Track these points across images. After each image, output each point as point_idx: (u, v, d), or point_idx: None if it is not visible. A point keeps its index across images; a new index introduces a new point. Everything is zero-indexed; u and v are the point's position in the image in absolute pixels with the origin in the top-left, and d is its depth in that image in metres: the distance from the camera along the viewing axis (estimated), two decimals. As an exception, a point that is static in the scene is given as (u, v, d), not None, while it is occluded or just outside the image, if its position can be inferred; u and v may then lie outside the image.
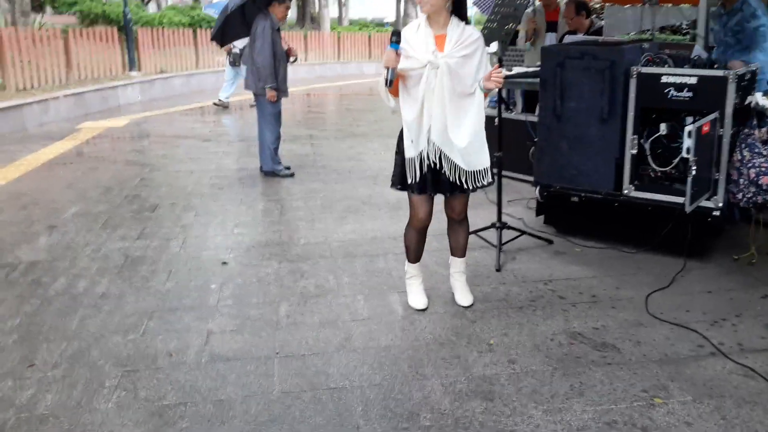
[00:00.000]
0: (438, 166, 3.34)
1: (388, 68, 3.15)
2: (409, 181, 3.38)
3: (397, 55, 3.16)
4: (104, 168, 7.05)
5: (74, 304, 3.73)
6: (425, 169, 3.35)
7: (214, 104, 11.60)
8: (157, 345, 3.28)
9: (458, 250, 3.71)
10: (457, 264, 3.74)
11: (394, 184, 3.54)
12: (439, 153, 3.32)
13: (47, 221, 5.21)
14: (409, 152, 3.34)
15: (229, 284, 4.02)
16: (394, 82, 3.19)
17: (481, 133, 3.36)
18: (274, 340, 3.32)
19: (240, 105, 11.80)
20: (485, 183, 3.42)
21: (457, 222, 3.63)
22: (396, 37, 3.19)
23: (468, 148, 3.31)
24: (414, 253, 3.68)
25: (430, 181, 3.38)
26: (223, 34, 6.77)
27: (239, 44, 10.53)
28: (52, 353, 3.19)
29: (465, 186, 3.38)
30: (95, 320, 3.54)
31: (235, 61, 11.25)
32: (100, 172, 6.87)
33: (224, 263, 4.36)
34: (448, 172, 3.35)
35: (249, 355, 3.18)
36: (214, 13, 12.20)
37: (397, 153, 3.49)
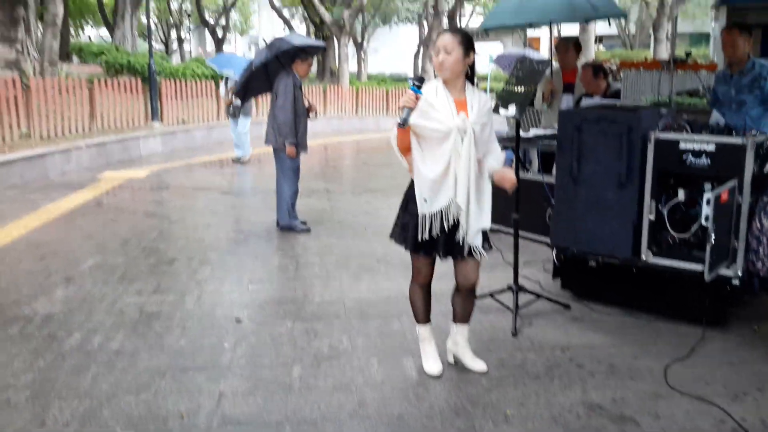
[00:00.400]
0: (453, 227, 3.34)
1: (404, 108, 3.18)
2: (420, 239, 3.36)
3: (417, 99, 3.20)
4: (123, 219, 7.12)
5: (88, 361, 3.72)
6: (437, 230, 3.34)
7: (234, 161, 11.57)
8: (169, 406, 3.25)
9: (466, 317, 3.67)
10: (464, 331, 3.68)
11: (394, 239, 3.54)
12: (460, 215, 3.32)
13: (65, 273, 5.24)
14: (422, 209, 3.34)
15: (242, 343, 4.00)
16: (406, 129, 3.23)
17: (487, 205, 3.46)
18: (287, 404, 3.28)
19: (258, 158, 11.93)
20: (483, 251, 3.45)
21: (469, 290, 3.58)
22: (418, 82, 3.23)
23: (478, 212, 3.37)
24: (423, 313, 3.64)
25: (442, 244, 3.37)
26: (246, 90, 6.92)
27: None
28: (63, 412, 3.17)
29: (471, 250, 3.39)
30: (108, 378, 3.53)
31: (235, 112, 11.20)
32: (119, 223, 6.94)
33: (238, 321, 4.35)
34: (462, 234, 3.35)
35: (260, 420, 3.14)
36: (217, 67, 12.31)
37: (400, 209, 3.51)
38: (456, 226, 3.35)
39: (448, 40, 3.27)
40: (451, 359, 3.73)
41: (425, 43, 25.54)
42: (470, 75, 3.42)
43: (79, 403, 3.25)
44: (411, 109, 3.19)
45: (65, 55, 20.32)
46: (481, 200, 3.41)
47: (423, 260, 3.49)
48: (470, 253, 3.42)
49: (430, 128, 3.27)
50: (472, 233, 3.36)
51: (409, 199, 3.43)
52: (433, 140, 3.30)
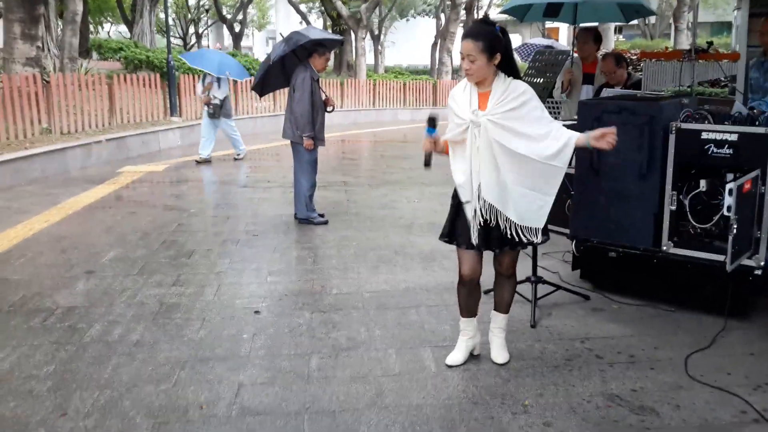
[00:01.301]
0: (490, 222, 3.33)
1: (426, 154, 3.34)
2: (473, 239, 3.35)
3: (432, 141, 3.34)
4: (143, 212, 7.18)
5: (108, 352, 3.76)
6: (477, 225, 3.34)
7: (197, 162, 10.65)
8: (189, 396, 3.28)
9: (502, 305, 3.66)
10: (498, 320, 3.68)
11: (442, 236, 3.55)
12: (492, 210, 3.31)
13: (86, 266, 5.29)
14: (467, 210, 3.36)
15: (261, 334, 4.02)
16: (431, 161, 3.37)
17: (546, 189, 3.32)
18: (305, 395, 3.29)
19: (276, 151, 11.96)
20: (537, 240, 3.41)
21: (505, 277, 3.59)
22: (431, 123, 3.32)
23: (522, 201, 3.30)
24: (464, 307, 3.62)
25: (481, 237, 3.36)
26: (263, 85, 6.93)
27: (220, 95, 10.49)
28: (84, 402, 3.21)
29: (516, 240, 3.36)
30: (129, 368, 3.56)
31: (215, 112, 10.57)
32: (139, 216, 6.99)
33: (257, 312, 4.36)
34: (502, 227, 3.33)
35: (279, 410, 3.15)
36: (188, 62, 11.50)
37: (452, 205, 3.51)
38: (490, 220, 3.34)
39: (470, 49, 3.19)
40: (475, 351, 3.73)
41: (442, 35, 25.43)
42: (507, 66, 3.30)
43: (100, 394, 3.29)
44: (430, 153, 3.35)
45: (85, 51, 20.47)
46: (523, 185, 3.29)
47: (464, 255, 3.46)
48: (510, 245, 3.41)
49: (455, 133, 3.32)
50: (515, 225, 3.33)
51: (453, 198, 3.47)
52: (458, 139, 3.33)
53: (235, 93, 15.87)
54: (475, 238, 3.34)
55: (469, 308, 3.61)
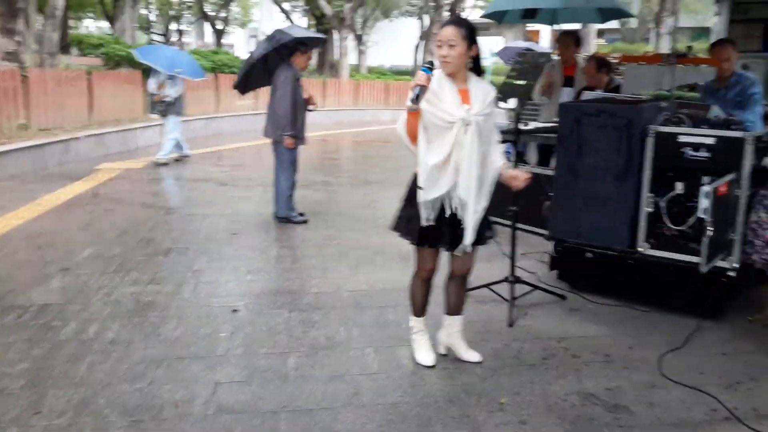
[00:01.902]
0: (448, 221, 3.33)
1: (416, 86, 3.14)
2: (423, 223, 3.32)
3: (428, 79, 3.17)
4: (120, 210, 7.12)
5: (83, 350, 3.72)
6: (432, 220, 3.32)
7: (156, 164, 10.20)
8: (164, 395, 3.26)
9: (459, 307, 3.66)
10: (457, 322, 3.67)
11: (399, 232, 3.51)
12: (463, 207, 3.31)
13: (61, 263, 5.24)
14: (419, 197, 3.31)
15: (238, 333, 4.00)
16: (416, 113, 3.20)
17: (485, 196, 3.42)
18: (282, 393, 3.28)
19: (258, 150, 11.90)
20: (489, 237, 3.47)
21: (462, 278, 3.59)
22: (429, 64, 3.23)
23: (480, 209, 3.36)
24: (420, 307, 3.63)
25: (448, 236, 3.37)
26: (245, 83, 6.90)
27: (173, 93, 10.09)
28: (59, 400, 3.17)
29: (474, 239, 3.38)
30: (104, 367, 3.53)
31: (165, 110, 10.14)
32: (116, 213, 6.94)
33: (235, 311, 4.35)
34: (467, 223, 3.33)
35: (256, 408, 3.14)
36: (139, 57, 10.67)
37: (404, 201, 3.47)
38: (454, 216, 3.34)
39: (451, 33, 3.22)
40: (442, 350, 3.72)
41: (426, 36, 25.49)
42: (476, 66, 3.37)
43: (75, 392, 3.26)
44: (423, 87, 3.15)
45: (65, 47, 20.28)
46: (482, 191, 3.37)
47: (427, 253, 3.47)
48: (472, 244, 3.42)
49: (437, 115, 3.23)
50: (472, 225, 3.34)
51: (413, 192, 3.40)
52: (437, 129, 3.26)
53: (217, 91, 15.79)
54: (425, 220, 3.33)
55: (424, 306, 3.63)
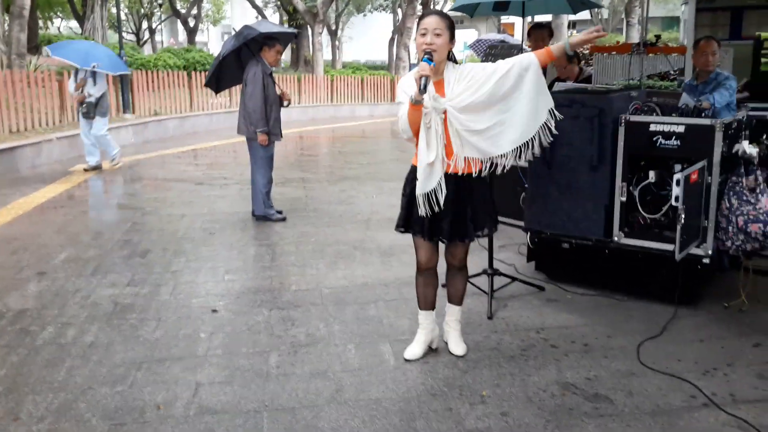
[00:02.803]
0: (443, 213, 3.34)
1: (422, 77, 3.10)
2: (421, 213, 3.32)
3: (431, 68, 3.15)
4: (96, 212, 7.05)
5: (62, 354, 3.69)
6: (427, 212, 3.33)
7: (85, 170, 9.51)
8: (145, 397, 3.24)
9: (456, 297, 3.71)
10: (453, 312, 3.73)
11: (398, 226, 3.56)
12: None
13: (37, 267, 5.18)
14: (417, 190, 3.32)
15: (218, 333, 3.98)
16: (419, 106, 3.18)
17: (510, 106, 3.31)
18: (264, 392, 3.28)
19: (233, 148, 11.85)
20: (486, 232, 3.49)
21: (457, 269, 3.64)
22: (429, 56, 3.19)
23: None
24: (422, 299, 3.64)
25: (434, 228, 3.39)
26: (218, 80, 6.85)
27: (96, 92, 9.38)
28: (37, 406, 3.14)
29: (467, 231, 3.41)
30: (83, 371, 3.50)
31: (89, 111, 9.35)
32: (92, 215, 6.87)
33: (214, 311, 4.33)
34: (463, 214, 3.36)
35: (238, 408, 3.13)
36: (52, 54, 9.69)
37: (403, 195, 3.50)
38: (446, 208, 3.34)
39: (437, 23, 3.22)
40: (439, 343, 3.75)
41: (399, 30, 25.47)
42: (452, 60, 3.39)
43: (54, 397, 3.23)
44: (428, 78, 3.12)
45: (34, 47, 19.96)
46: (536, 109, 3.32)
47: (424, 246, 3.49)
48: (460, 237, 3.45)
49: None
50: (470, 215, 3.40)
51: (411, 188, 3.42)
52: (426, 125, 3.27)
53: (190, 89, 15.67)
54: (421, 212, 3.33)
55: (427, 299, 3.64)
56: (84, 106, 9.39)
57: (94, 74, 9.35)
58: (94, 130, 9.50)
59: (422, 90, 3.13)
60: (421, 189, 3.31)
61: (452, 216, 3.37)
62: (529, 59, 3.28)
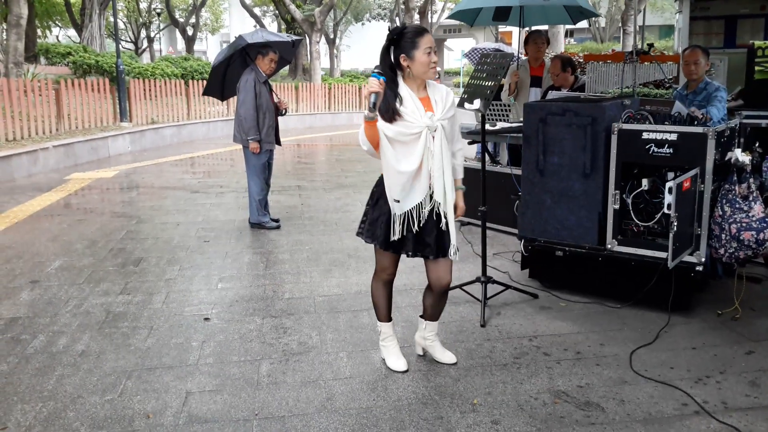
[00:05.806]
0: (422, 226, 3.31)
1: (371, 93, 3.13)
2: (393, 238, 3.31)
3: (381, 84, 3.16)
4: (91, 220, 7.04)
5: (52, 363, 3.67)
6: (406, 229, 3.30)
7: None
8: (135, 406, 3.22)
9: (437, 315, 3.65)
10: (433, 327, 3.67)
11: (362, 235, 3.51)
12: (441, 212, 3.30)
13: (30, 275, 5.17)
14: (394, 209, 3.29)
15: (210, 341, 3.97)
16: (374, 122, 3.19)
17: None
18: (254, 401, 3.27)
19: (230, 156, 11.86)
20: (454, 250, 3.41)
21: (443, 290, 3.52)
22: (379, 69, 3.21)
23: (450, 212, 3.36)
24: (385, 310, 3.61)
25: (412, 242, 3.33)
26: (222, 89, 6.88)
27: None
28: (26, 415, 3.13)
29: (449, 249, 3.35)
30: (73, 379, 3.48)
31: None
32: (87, 224, 6.86)
33: (206, 319, 4.32)
34: (443, 227, 3.32)
35: (227, 417, 3.12)
36: None
37: (369, 205, 3.46)
38: (426, 224, 3.31)
39: (432, 41, 3.28)
40: (419, 351, 3.74)
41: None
42: None
43: (43, 406, 3.21)
44: (378, 94, 3.15)
45: (32, 56, 20.01)
46: (449, 196, 3.35)
47: (390, 257, 3.47)
48: (443, 253, 3.37)
49: (404, 133, 3.21)
50: (452, 226, 3.34)
51: (380, 196, 3.38)
52: (404, 143, 3.24)
53: (188, 98, 15.69)
54: (394, 235, 3.30)
55: (388, 309, 3.62)
56: None
57: None
58: None
59: (372, 107, 3.15)
60: (403, 205, 3.26)
61: (437, 231, 3.33)
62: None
